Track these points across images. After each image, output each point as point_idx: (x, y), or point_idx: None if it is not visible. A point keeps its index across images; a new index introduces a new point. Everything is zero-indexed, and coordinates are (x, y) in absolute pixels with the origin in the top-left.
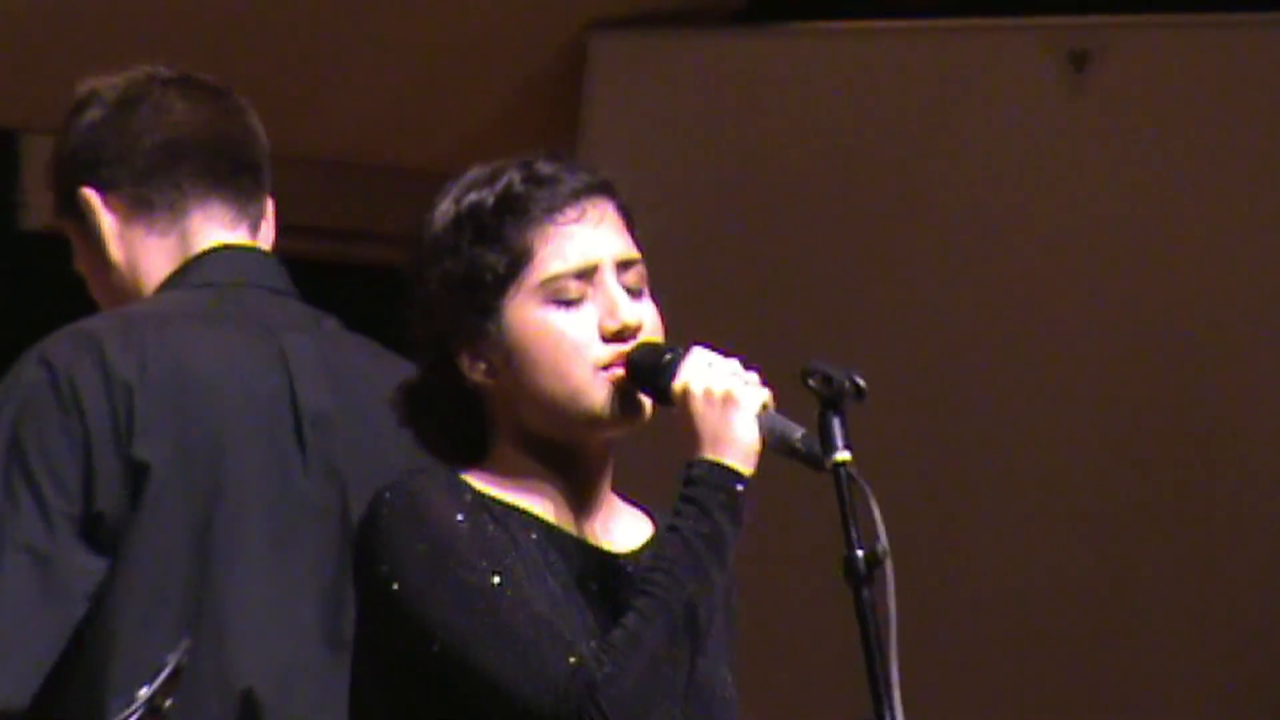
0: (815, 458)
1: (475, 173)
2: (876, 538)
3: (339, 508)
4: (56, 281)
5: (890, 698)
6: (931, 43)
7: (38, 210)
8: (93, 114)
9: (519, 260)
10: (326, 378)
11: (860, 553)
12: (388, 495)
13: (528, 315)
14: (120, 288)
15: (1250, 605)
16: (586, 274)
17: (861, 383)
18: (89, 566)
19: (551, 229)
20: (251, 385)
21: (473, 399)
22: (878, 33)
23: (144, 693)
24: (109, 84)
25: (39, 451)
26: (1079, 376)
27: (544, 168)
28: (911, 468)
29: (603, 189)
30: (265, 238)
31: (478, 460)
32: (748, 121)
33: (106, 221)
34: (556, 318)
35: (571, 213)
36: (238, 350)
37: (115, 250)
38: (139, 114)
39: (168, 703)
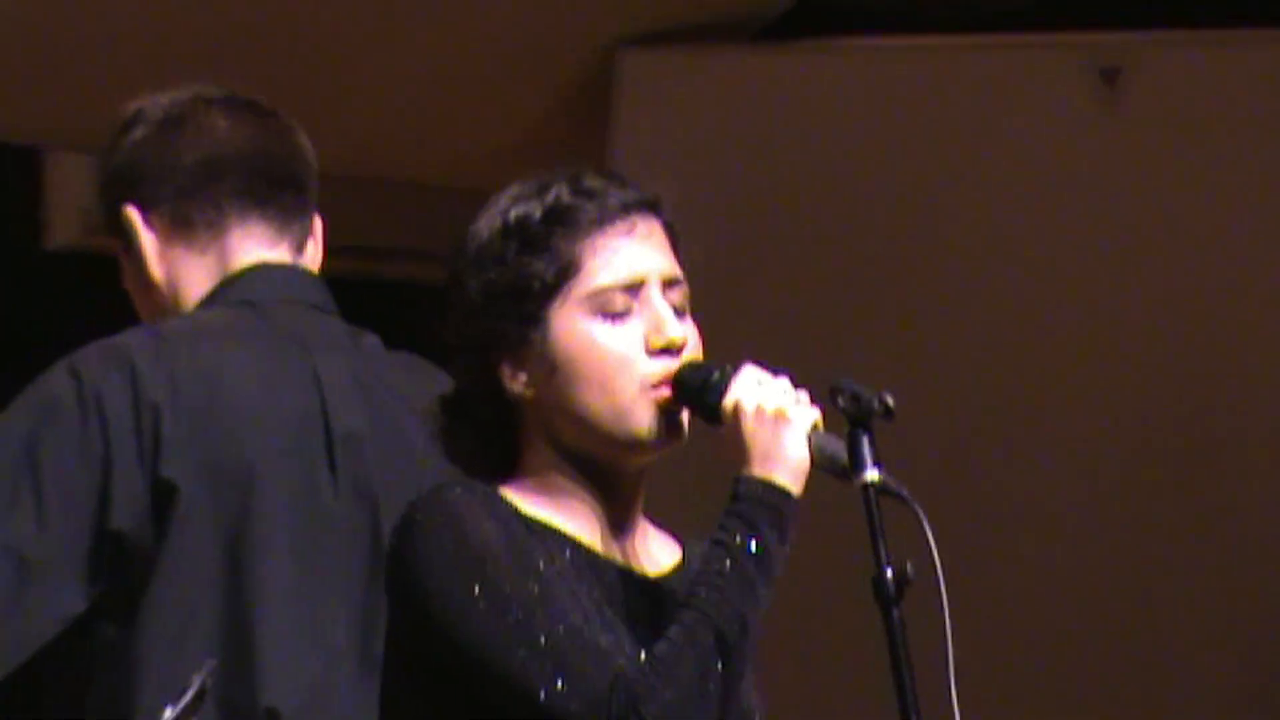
0: (854, 469)
1: (521, 186)
2: (928, 558)
3: (370, 528)
4: (79, 300)
5: (919, 716)
6: (959, 59)
7: (61, 230)
8: (137, 133)
9: (567, 270)
10: (359, 397)
11: (890, 572)
12: (422, 507)
13: (574, 326)
14: (162, 305)
15: (1264, 613)
16: (634, 288)
17: (890, 402)
18: (71, 591)
19: (600, 240)
20: (283, 406)
21: (510, 411)
22: (905, 49)
23: (169, 714)
24: (154, 103)
25: (53, 461)
26: (1109, 390)
27: (592, 181)
28: (932, 482)
29: (651, 206)
30: (311, 256)
31: (510, 475)
32: (775, 137)
33: (147, 239)
34: (602, 330)
35: (621, 225)
36: (270, 370)
37: (156, 268)
38: (182, 133)
39: None
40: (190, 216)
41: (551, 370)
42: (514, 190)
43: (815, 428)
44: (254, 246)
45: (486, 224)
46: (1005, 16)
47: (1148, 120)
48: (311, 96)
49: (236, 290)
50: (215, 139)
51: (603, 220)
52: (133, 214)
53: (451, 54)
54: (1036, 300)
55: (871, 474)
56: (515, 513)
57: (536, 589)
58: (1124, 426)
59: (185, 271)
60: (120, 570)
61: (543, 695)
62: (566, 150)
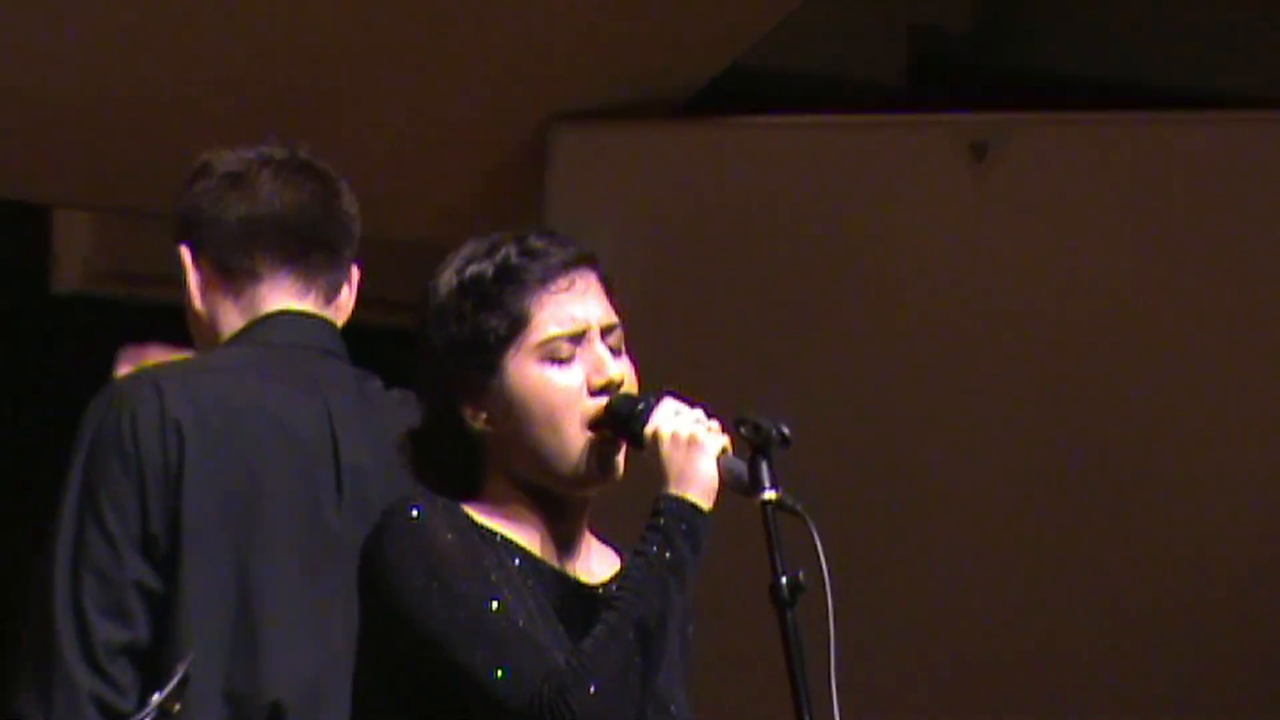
0: (753, 489)
1: (473, 246)
2: (817, 566)
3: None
4: (84, 342)
5: (810, 708)
6: (850, 134)
7: (66, 275)
8: (200, 184)
9: (517, 324)
10: (365, 434)
11: (785, 580)
12: (389, 516)
13: (526, 371)
14: (203, 333)
15: (1167, 624)
16: (576, 337)
17: (787, 431)
18: (149, 581)
19: (546, 296)
20: (294, 433)
21: (472, 445)
22: (802, 126)
23: (156, 698)
24: (221, 158)
25: (105, 484)
26: (981, 415)
27: (536, 241)
28: (841, 497)
29: (588, 262)
30: (341, 305)
31: (472, 495)
32: (690, 202)
33: (194, 277)
34: (551, 373)
35: (563, 282)
36: (285, 402)
37: (198, 301)
38: (235, 190)
39: (176, 707)
40: (230, 265)
41: (508, 409)
42: (467, 250)
43: (725, 451)
44: (281, 296)
45: (445, 282)
46: (891, 97)
47: (1011, 188)
48: None
49: (259, 333)
50: (260, 199)
51: (547, 278)
52: (185, 253)
53: (404, 126)
54: (920, 338)
55: (770, 494)
56: (471, 523)
57: (485, 591)
58: (998, 447)
59: (222, 310)
60: (153, 569)
61: (487, 684)
62: (507, 211)
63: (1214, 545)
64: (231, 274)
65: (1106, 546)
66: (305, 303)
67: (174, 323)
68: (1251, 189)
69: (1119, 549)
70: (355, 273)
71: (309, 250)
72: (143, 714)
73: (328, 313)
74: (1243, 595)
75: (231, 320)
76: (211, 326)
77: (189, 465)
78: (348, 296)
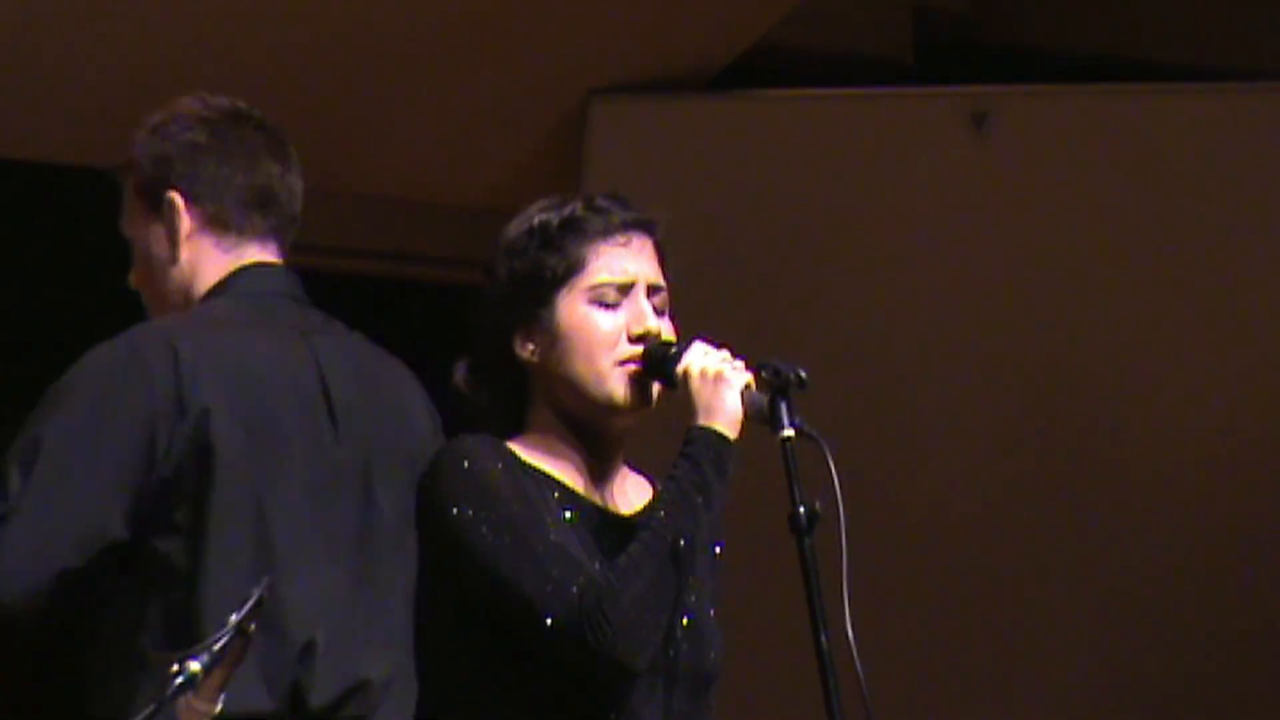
0: (774, 427)
1: (547, 200)
2: (827, 493)
3: (363, 473)
4: None
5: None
6: (861, 106)
7: None
8: (194, 135)
9: (574, 267)
10: (349, 372)
11: (802, 509)
12: (445, 451)
13: (575, 309)
14: (176, 281)
15: (1129, 574)
16: (625, 288)
17: (804, 375)
18: (116, 521)
19: (603, 247)
20: (294, 377)
21: (520, 374)
22: (817, 99)
23: (234, 619)
24: (205, 109)
25: (114, 415)
26: (979, 372)
27: (602, 202)
28: (850, 436)
29: (648, 227)
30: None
31: (517, 433)
32: (716, 170)
33: (185, 224)
34: (597, 314)
35: (621, 238)
36: (281, 350)
37: (183, 249)
38: (237, 152)
39: (251, 627)
40: (227, 222)
41: (553, 342)
42: (541, 203)
43: (748, 387)
44: (256, 249)
45: (516, 227)
46: (895, 71)
47: (1011, 157)
48: (347, 135)
49: (241, 283)
50: (260, 170)
51: (606, 232)
52: (178, 199)
53: (457, 101)
54: (923, 299)
55: (788, 431)
56: (516, 458)
57: (529, 514)
58: (995, 402)
59: (207, 259)
60: (169, 509)
61: (530, 597)
62: (550, 178)
63: (1195, 490)
64: (226, 230)
65: (1090, 483)
66: (271, 254)
67: None
68: (1240, 158)
69: (1102, 487)
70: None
71: (287, 224)
72: (220, 634)
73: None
74: (1212, 532)
75: (210, 271)
76: (191, 275)
77: (207, 409)
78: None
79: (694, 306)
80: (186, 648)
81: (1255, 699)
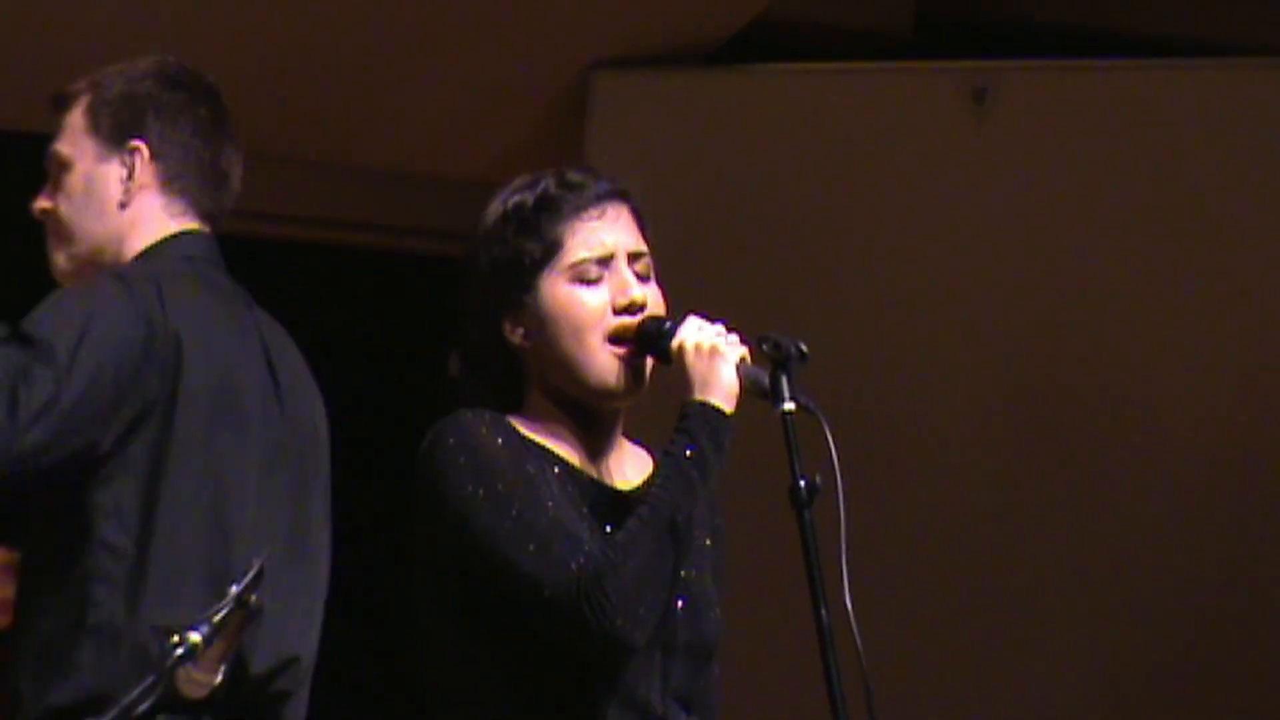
0: (775, 400)
1: (519, 180)
2: (826, 467)
3: (299, 453)
4: None
5: (825, 600)
6: (863, 80)
7: None
8: (172, 95)
9: (552, 248)
10: (283, 352)
11: (803, 483)
12: (442, 427)
13: (558, 290)
14: (110, 226)
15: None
16: (605, 261)
17: (804, 348)
18: (100, 428)
19: (579, 224)
20: (249, 348)
21: (512, 358)
22: (818, 73)
23: (234, 590)
24: (180, 73)
25: (102, 343)
26: (977, 349)
27: (573, 176)
28: (848, 411)
29: (621, 195)
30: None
31: (516, 409)
32: (717, 143)
33: (142, 174)
34: (580, 292)
35: (595, 211)
36: (234, 319)
37: (134, 197)
38: (206, 125)
39: (253, 598)
40: (182, 190)
41: (541, 324)
42: (514, 184)
43: (743, 360)
44: (195, 217)
45: (492, 211)
46: (895, 46)
47: (1010, 131)
48: (349, 110)
49: (180, 249)
50: (223, 148)
51: (580, 207)
52: (143, 149)
53: (460, 75)
54: (923, 274)
55: (789, 405)
56: (517, 433)
57: (528, 489)
58: (992, 378)
59: (151, 218)
60: (135, 441)
61: (529, 573)
62: (552, 151)
63: (1195, 464)
64: (178, 190)
65: (1090, 458)
66: (206, 224)
67: None
68: (1242, 134)
69: (1101, 462)
70: None
71: (227, 189)
72: (221, 604)
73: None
74: (1209, 509)
75: (149, 231)
76: (129, 227)
77: (182, 362)
78: None
79: (692, 280)
80: (133, 609)
81: (1250, 678)
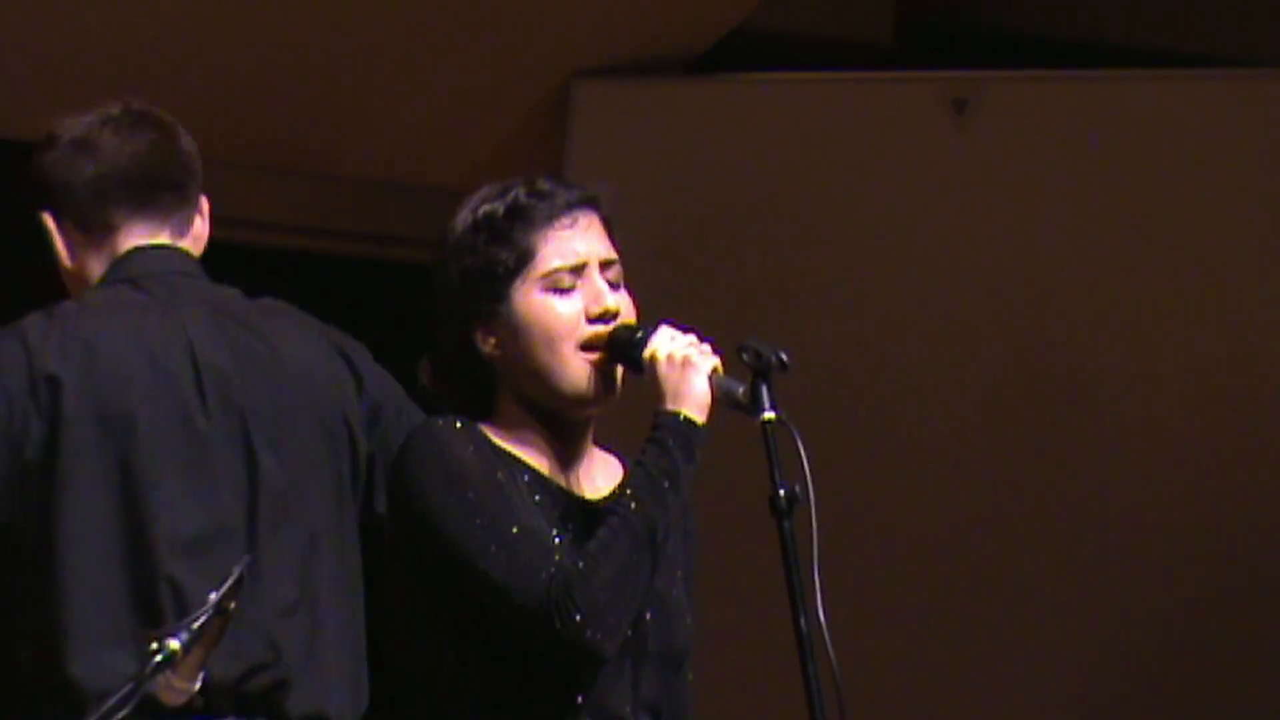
0: (754, 410)
1: (488, 189)
2: (801, 478)
3: (242, 442)
4: None
5: (804, 609)
6: (843, 89)
7: None
8: (51, 153)
9: (525, 257)
10: (222, 338)
11: (782, 492)
12: (414, 434)
13: (531, 299)
14: (77, 286)
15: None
16: (578, 269)
17: (785, 357)
18: None
19: (550, 233)
20: (154, 353)
21: (485, 368)
22: (799, 83)
23: (213, 597)
24: (65, 125)
25: None
26: (957, 353)
27: (543, 184)
28: (827, 422)
29: (590, 202)
30: (197, 235)
31: (487, 416)
32: (697, 152)
33: (59, 240)
34: (553, 301)
35: (567, 220)
36: (143, 328)
37: (66, 259)
38: (83, 153)
39: (231, 605)
40: (89, 222)
41: (514, 334)
42: (482, 192)
43: (716, 370)
44: (136, 238)
45: (461, 220)
46: (876, 56)
47: (991, 141)
48: (328, 120)
49: (118, 271)
50: (105, 157)
51: (552, 216)
52: (48, 219)
53: (438, 83)
54: (903, 283)
55: (769, 414)
56: (488, 440)
57: (498, 499)
58: (974, 385)
59: (89, 262)
60: (33, 491)
61: (500, 583)
62: (532, 159)
63: (1175, 467)
64: (92, 230)
65: (1068, 468)
66: (159, 238)
67: None
68: (1222, 144)
69: (1080, 470)
70: (205, 203)
71: (156, 193)
72: (201, 611)
73: (184, 244)
74: (1193, 500)
75: (96, 269)
76: (81, 279)
77: (62, 400)
78: (201, 226)
79: (672, 288)
80: (55, 662)
81: (1232, 675)
